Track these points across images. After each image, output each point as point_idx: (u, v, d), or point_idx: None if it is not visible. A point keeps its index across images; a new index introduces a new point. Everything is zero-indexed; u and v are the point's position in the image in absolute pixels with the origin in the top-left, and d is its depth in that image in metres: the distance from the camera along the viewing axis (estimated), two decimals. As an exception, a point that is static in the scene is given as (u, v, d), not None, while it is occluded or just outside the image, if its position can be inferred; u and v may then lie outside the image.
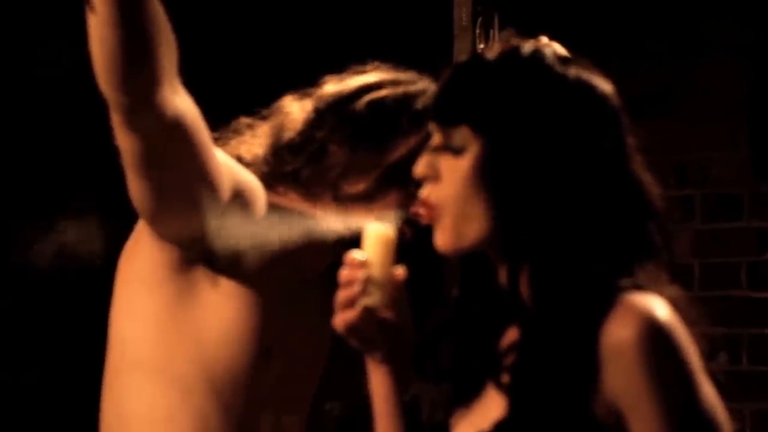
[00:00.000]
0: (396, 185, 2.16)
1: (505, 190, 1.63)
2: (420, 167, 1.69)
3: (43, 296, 3.77)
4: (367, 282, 1.76)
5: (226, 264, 2.10)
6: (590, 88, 1.68)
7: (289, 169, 2.19)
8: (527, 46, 1.69)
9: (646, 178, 1.69)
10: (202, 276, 2.11)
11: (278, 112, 2.25)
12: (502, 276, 1.68)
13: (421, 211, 1.70)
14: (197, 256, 2.09)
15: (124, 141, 1.90)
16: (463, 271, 1.74)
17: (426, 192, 1.68)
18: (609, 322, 1.57)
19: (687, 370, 1.56)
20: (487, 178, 1.64)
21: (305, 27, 3.84)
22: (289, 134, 2.21)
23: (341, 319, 1.78)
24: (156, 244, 2.10)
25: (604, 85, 1.69)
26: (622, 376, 1.55)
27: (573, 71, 1.68)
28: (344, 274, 1.78)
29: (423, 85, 2.24)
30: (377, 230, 1.79)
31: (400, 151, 2.17)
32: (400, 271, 1.79)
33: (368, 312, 1.76)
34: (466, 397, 1.70)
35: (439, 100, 1.72)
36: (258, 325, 2.11)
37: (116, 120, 1.88)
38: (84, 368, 2.38)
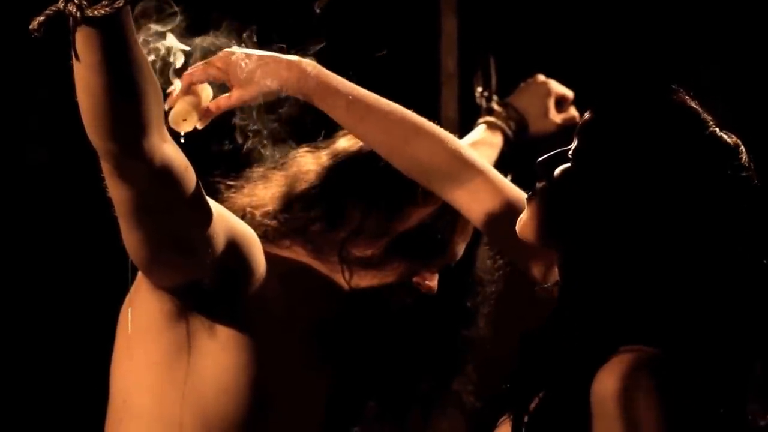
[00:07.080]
0: (402, 256, 2.17)
1: (577, 212, 1.72)
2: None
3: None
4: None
5: (223, 312, 2.09)
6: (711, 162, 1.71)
7: (299, 223, 2.19)
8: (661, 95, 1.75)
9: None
10: (198, 325, 2.10)
11: (292, 163, 2.25)
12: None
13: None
14: (193, 304, 2.09)
15: (115, 189, 1.90)
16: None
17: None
18: (599, 372, 1.62)
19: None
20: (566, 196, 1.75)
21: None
22: (302, 186, 2.21)
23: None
24: (154, 294, 2.10)
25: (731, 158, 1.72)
26: (597, 424, 1.60)
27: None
28: None
29: None
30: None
31: (412, 221, 2.18)
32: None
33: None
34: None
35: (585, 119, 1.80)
36: (255, 374, 2.10)
37: (106, 168, 1.88)
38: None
